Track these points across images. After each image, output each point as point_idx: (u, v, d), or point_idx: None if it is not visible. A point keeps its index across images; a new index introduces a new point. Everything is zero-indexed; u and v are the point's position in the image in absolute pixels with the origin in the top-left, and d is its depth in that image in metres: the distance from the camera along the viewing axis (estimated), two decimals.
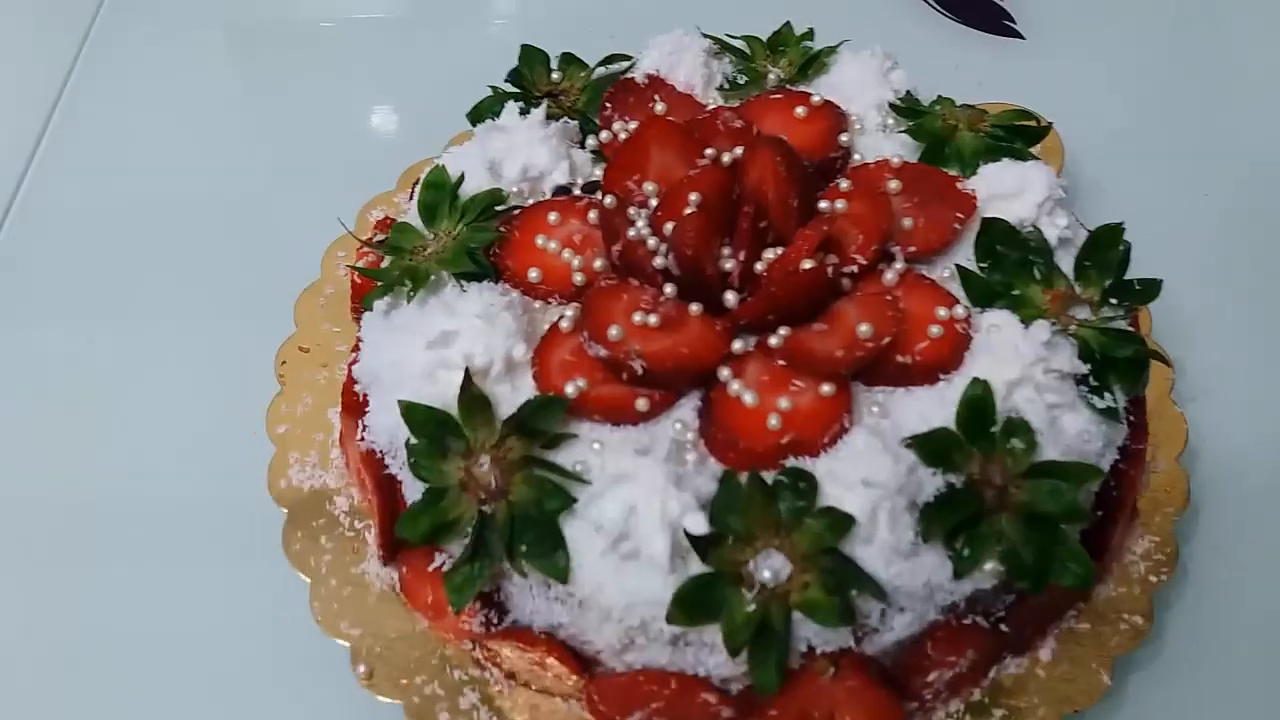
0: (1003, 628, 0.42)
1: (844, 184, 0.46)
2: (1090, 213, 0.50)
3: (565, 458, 0.40)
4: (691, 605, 0.37)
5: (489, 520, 0.39)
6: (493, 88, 0.53)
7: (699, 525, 0.38)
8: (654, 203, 0.45)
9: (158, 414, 0.56)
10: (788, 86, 0.54)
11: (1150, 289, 0.44)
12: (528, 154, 0.49)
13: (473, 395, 0.41)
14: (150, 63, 0.75)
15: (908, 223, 0.46)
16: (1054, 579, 0.39)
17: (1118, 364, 0.42)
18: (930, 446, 0.39)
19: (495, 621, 0.43)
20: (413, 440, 0.41)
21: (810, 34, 0.55)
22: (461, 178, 0.48)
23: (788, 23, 0.56)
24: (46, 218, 0.66)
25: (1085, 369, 0.42)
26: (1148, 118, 0.69)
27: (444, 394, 0.41)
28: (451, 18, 0.60)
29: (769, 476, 0.39)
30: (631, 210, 0.46)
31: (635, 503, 0.38)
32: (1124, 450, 0.44)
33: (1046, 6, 0.75)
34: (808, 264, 0.42)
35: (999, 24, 0.74)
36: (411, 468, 0.41)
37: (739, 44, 0.56)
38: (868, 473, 0.38)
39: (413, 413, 0.41)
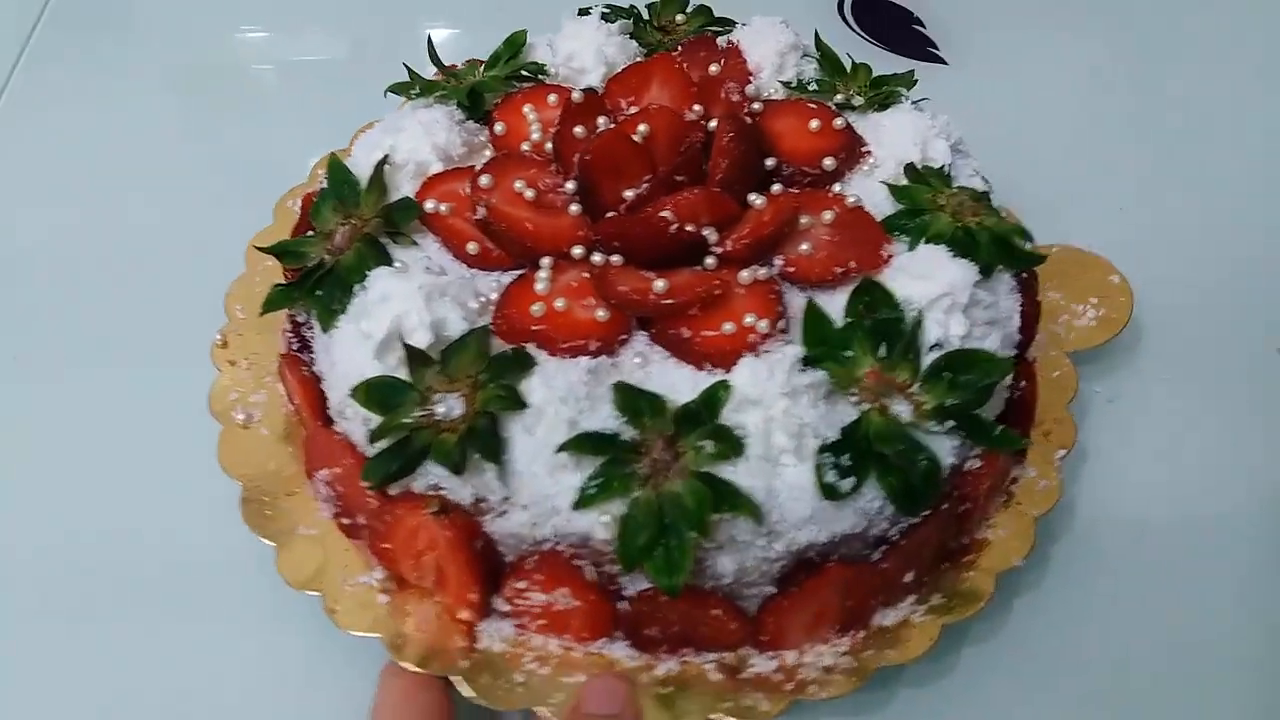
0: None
1: (775, 187, 0.48)
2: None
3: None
4: None
5: None
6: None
7: None
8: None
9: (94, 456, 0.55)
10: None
11: (984, 433, 0.43)
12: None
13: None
14: (80, 93, 0.74)
15: (805, 247, 0.46)
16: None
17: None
18: None
19: None
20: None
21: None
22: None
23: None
24: None
25: None
26: (1069, 137, 0.72)
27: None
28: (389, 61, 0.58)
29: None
30: (602, 119, 0.47)
31: None
32: None
33: (965, 32, 0.80)
34: (667, 214, 0.44)
35: (922, 50, 0.79)
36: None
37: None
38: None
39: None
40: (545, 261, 0.45)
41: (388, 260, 0.46)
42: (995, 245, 0.47)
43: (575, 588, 0.42)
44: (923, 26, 0.81)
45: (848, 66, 0.55)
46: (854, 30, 0.80)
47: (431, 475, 0.42)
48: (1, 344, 0.60)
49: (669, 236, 0.45)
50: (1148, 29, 0.81)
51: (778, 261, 0.46)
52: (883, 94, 0.54)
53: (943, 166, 0.50)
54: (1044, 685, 0.49)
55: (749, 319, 0.43)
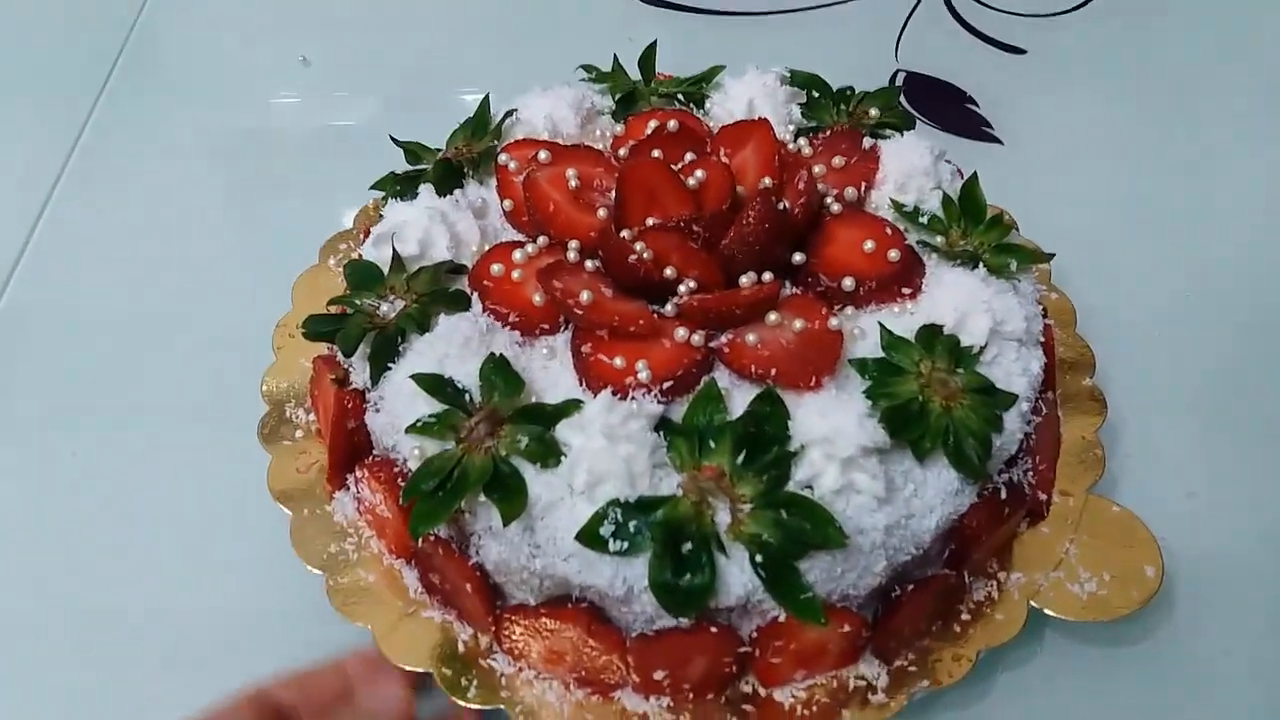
0: None
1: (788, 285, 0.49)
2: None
3: None
4: None
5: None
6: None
7: None
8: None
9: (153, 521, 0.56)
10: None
11: (787, 589, 0.40)
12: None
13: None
14: (135, 169, 0.77)
15: (752, 338, 0.45)
16: None
17: None
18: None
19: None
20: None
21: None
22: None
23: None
24: (30, 322, 0.67)
25: None
26: (1120, 219, 0.72)
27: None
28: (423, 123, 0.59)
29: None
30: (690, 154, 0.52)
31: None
32: None
33: (1021, 115, 0.79)
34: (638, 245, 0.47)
35: (978, 130, 0.79)
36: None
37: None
38: None
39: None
40: (541, 241, 0.50)
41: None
42: (943, 438, 0.43)
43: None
44: (976, 105, 0.80)
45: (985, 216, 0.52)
46: (908, 109, 0.73)
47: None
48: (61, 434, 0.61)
49: (634, 265, 0.47)
50: (1207, 96, 0.81)
51: (723, 338, 0.46)
52: (1000, 254, 0.50)
53: (971, 347, 0.46)
54: None
55: (640, 364, 0.44)
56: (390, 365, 0.46)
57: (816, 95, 0.58)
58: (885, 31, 0.86)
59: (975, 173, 0.53)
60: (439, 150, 0.56)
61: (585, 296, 0.46)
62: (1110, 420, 0.54)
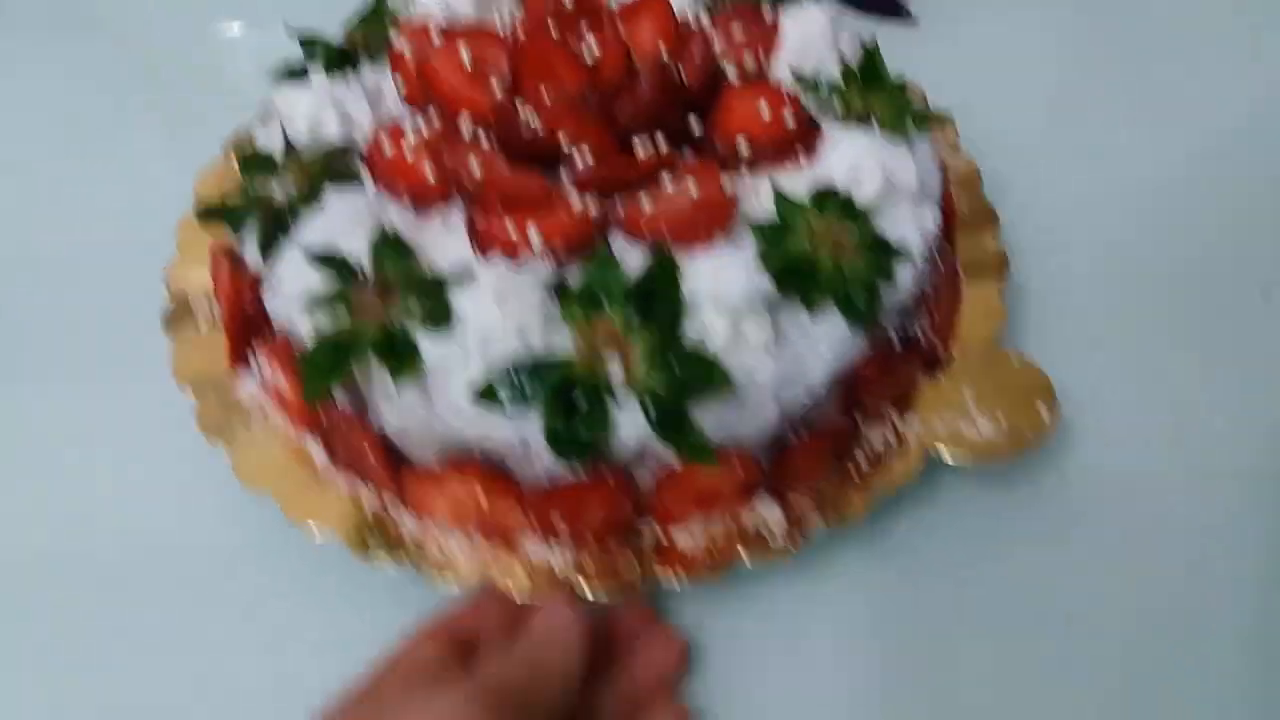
0: None
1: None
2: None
3: None
4: None
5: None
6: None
7: None
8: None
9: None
10: None
11: (681, 435, 0.41)
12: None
13: None
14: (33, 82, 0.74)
15: (646, 203, 0.45)
16: None
17: None
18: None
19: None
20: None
21: None
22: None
23: None
24: None
25: None
26: (1046, 104, 0.71)
27: None
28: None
29: None
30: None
31: None
32: None
33: None
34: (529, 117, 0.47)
35: (893, 5, 0.76)
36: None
37: None
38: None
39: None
40: (433, 115, 0.49)
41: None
42: (832, 288, 0.44)
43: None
44: None
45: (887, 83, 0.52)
46: None
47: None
48: None
49: (526, 136, 0.47)
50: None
51: (618, 204, 0.46)
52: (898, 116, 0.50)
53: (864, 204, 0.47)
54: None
55: (531, 231, 0.44)
56: (282, 244, 0.46)
57: None
58: None
59: (875, 40, 0.53)
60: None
61: (477, 168, 0.46)
62: (1015, 280, 0.55)
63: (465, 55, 0.50)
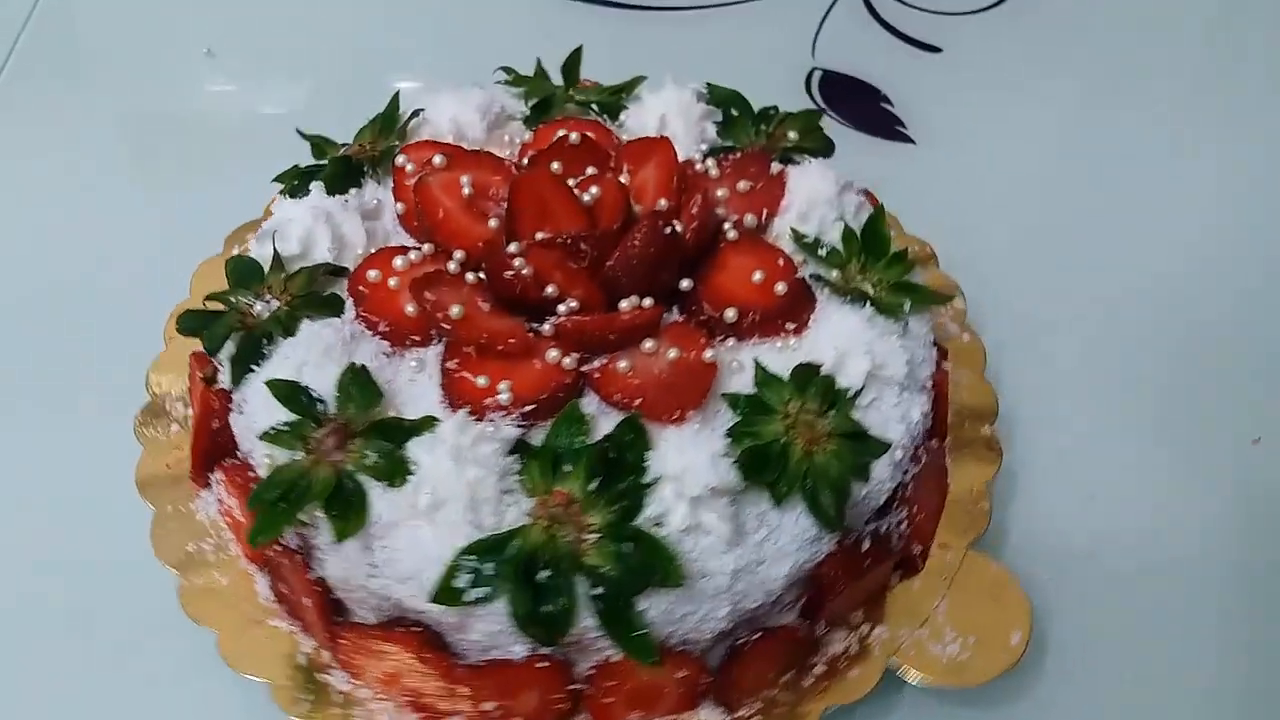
0: None
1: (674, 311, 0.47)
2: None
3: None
4: None
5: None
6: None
7: None
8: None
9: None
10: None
11: (620, 624, 0.40)
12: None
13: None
14: (38, 150, 0.75)
15: (624, 364, 0.44)
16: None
17: None
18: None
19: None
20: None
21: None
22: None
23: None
24: None
25: None
26: (1034, 226, 0.71)
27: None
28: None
29: None
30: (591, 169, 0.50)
31: None
32: None
33: (935, 114, 0.79)
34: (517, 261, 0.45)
35: (891, 129, 0.78)
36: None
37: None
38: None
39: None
40: (426, 249, 0.48)
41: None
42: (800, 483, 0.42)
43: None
44: (891, 104, 0.80)
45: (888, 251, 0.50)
46: (821, 108, 0.79)
47: None
48: None
49: (512, 281, 0.46)
50: (1121, 96, 0.81)
51: (596, 363, 0.45)
52: (896, 293, 0.48)
53: (847, 390, 0.45)
54: None
55: (502, 385, 0.43)
56: (254, 367, 0.45)
57: (735, 114, 0.57)
58: (804, 28, 0.86)
59: (881, 206, 0.52)
60: (345, 145, 0.55)
61: (456, 310, 0.45)
62: (1007, 466, 0.53)
63: (466, 184, 0.49)
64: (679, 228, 0.48)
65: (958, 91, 0.81)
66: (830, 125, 0.58)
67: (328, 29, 0.86)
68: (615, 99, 0.58)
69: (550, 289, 0.46)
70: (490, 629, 0.41)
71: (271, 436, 0.42)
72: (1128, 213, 0.72)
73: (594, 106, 0.58)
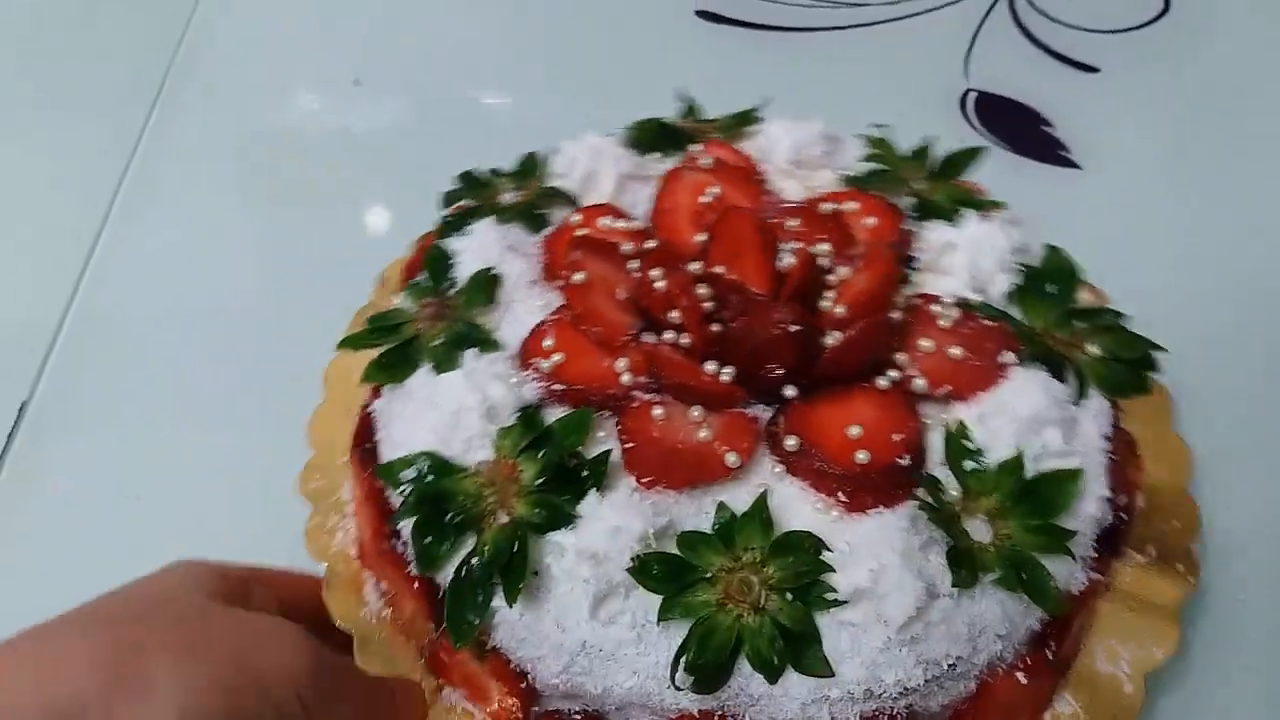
0: None
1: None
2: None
3: None
4: None
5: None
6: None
7: None
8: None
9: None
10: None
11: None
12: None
13: None
14: (190, 181, 0.77)
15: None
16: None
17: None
18: None
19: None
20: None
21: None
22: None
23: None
24: (94, 336, 0.68)
25: None
26: (1203, 249, 0.67)
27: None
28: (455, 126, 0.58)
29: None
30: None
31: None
32: None
33: (1099, 137, 0.74)
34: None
35: (1055, 154, 0.74)
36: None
37: None
38: None
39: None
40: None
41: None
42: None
43: None
44: (1051, 127, 0.74)
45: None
46: (976, 129, 0.76)
47: None
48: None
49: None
50: None
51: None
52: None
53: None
54: None
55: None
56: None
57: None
58: (954, 48, 0.83)
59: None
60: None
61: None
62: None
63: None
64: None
65: (1119, 114, 0.77)
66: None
67: (447, 50, 0.86)
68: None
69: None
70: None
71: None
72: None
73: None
